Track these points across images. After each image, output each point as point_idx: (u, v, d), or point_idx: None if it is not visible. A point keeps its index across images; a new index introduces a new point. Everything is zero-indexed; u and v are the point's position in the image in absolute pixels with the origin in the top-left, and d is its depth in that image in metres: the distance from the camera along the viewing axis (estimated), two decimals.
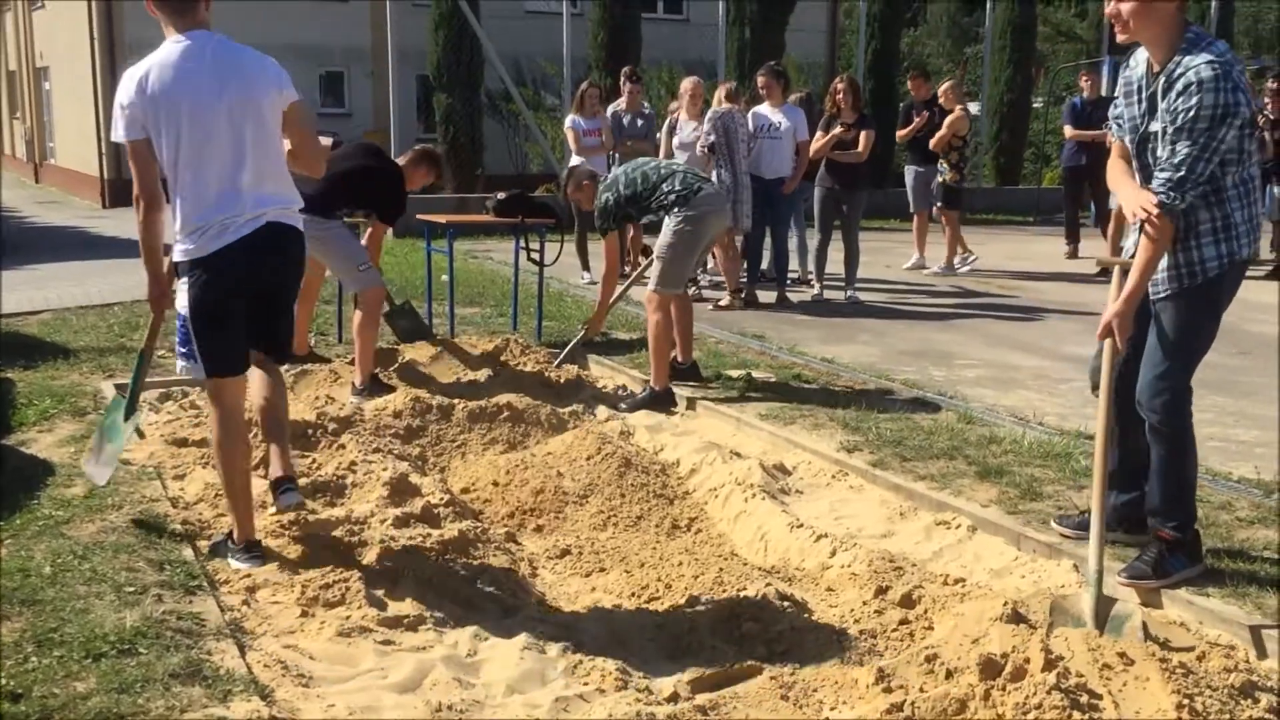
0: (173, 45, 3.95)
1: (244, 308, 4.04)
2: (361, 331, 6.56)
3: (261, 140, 3.99)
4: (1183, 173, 3.60)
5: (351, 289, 6.92)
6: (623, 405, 6.63)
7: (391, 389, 6.53)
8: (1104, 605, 3.60)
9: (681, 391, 6.72)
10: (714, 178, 9.82)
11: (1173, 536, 3.94)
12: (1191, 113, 3.53)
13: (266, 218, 3.99)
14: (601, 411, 6.55)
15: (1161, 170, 3.67)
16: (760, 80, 10.16)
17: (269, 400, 4.31)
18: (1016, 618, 3.42)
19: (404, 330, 7.70)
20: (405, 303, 7.92)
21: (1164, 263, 3.79)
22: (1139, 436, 4.05)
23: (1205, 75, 3.51)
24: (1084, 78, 13.39)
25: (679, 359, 6.99)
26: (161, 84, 3.88)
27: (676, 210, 6.53)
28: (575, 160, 10.57)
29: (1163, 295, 3.83)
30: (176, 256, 3.99)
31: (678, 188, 6.55)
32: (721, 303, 9.81)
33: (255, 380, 4.28)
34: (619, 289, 7.40)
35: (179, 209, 3.95)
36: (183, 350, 5.20)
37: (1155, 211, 3.62)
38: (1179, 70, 3.59)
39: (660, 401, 6.61)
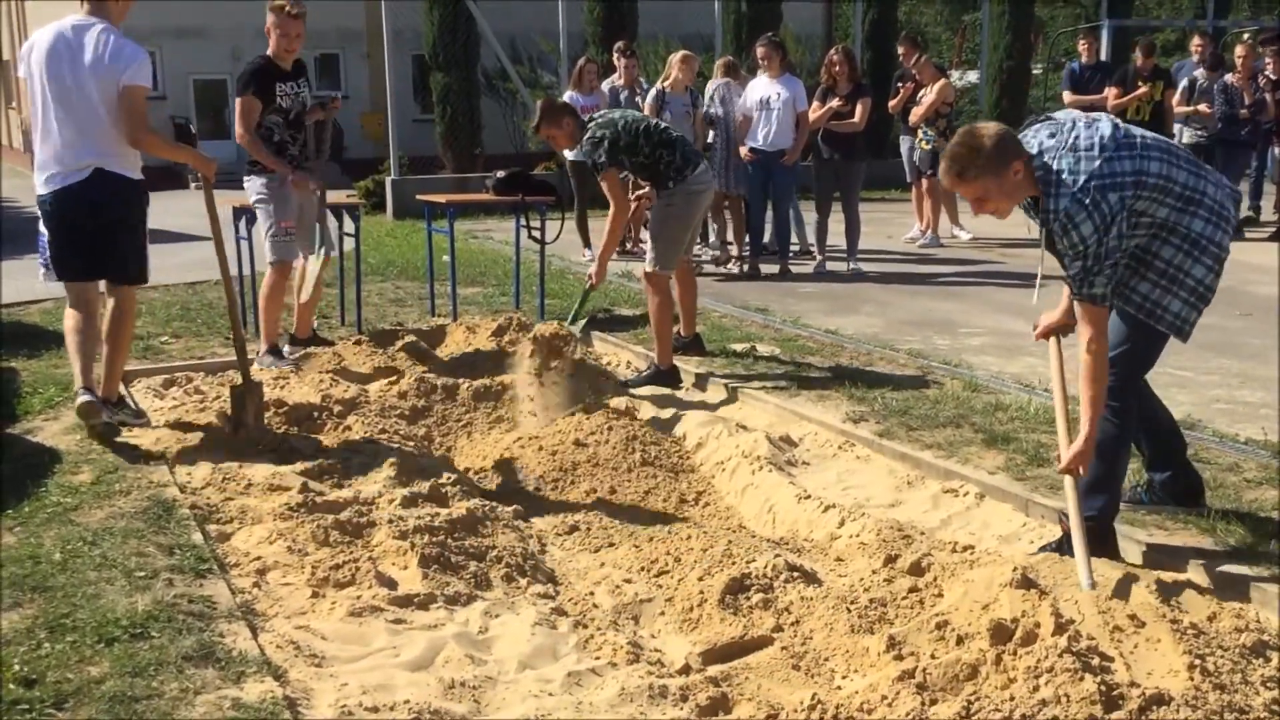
0: (67, 19, 5.06)
1: (79, 235, 5.12)
2: (263, 299, 6.64)
3: (97, 109, 4.98)
4: (1079, 288, 3.68)
5: (268, 257, 6.79)
6: (627, 382, 6.63)
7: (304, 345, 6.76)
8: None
9: (687, 366, 6.72)
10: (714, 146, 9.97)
11: (1067, 526, 3.94)
12: (1080, 244, 3.61)
13: (93, 167, 5.01)
14: (607, 387, 6.53)
15: (1071, 278, 3.74)
16: (760, 51, 10.10)
17: (110, 319, 5.28)
18: (1026, 583, 3.41)
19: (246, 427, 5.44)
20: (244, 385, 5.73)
21: (1175, 306, 3.81)
22: (1159, 415, 4.18)
23: (1074, 214, 3.58)
24: (1083, 42, 13.32)
25: (682, 333, 6.98)
26: (37, 50, 5.06)
27: (670, 185, 6.44)
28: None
29: (1124, 312, 3.86)
30: (37, 192, 5.17)
31: (676, 160, 6.42)
32: (732, 269, 10.23)
33: (109, 302, 5.32)
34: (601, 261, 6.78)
35: (36, 156, 5.15)
36: (42, 262, 5.75)
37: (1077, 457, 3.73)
38: (1053, 219, 3.64)
39: (665, 379, 6.59)
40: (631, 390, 6.47)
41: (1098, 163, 3.61)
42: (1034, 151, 3.67)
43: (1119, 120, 3.83)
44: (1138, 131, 3.80)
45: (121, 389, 5.66)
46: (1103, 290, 3.65)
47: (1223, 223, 3.81)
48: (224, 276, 5.65)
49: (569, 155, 11.15)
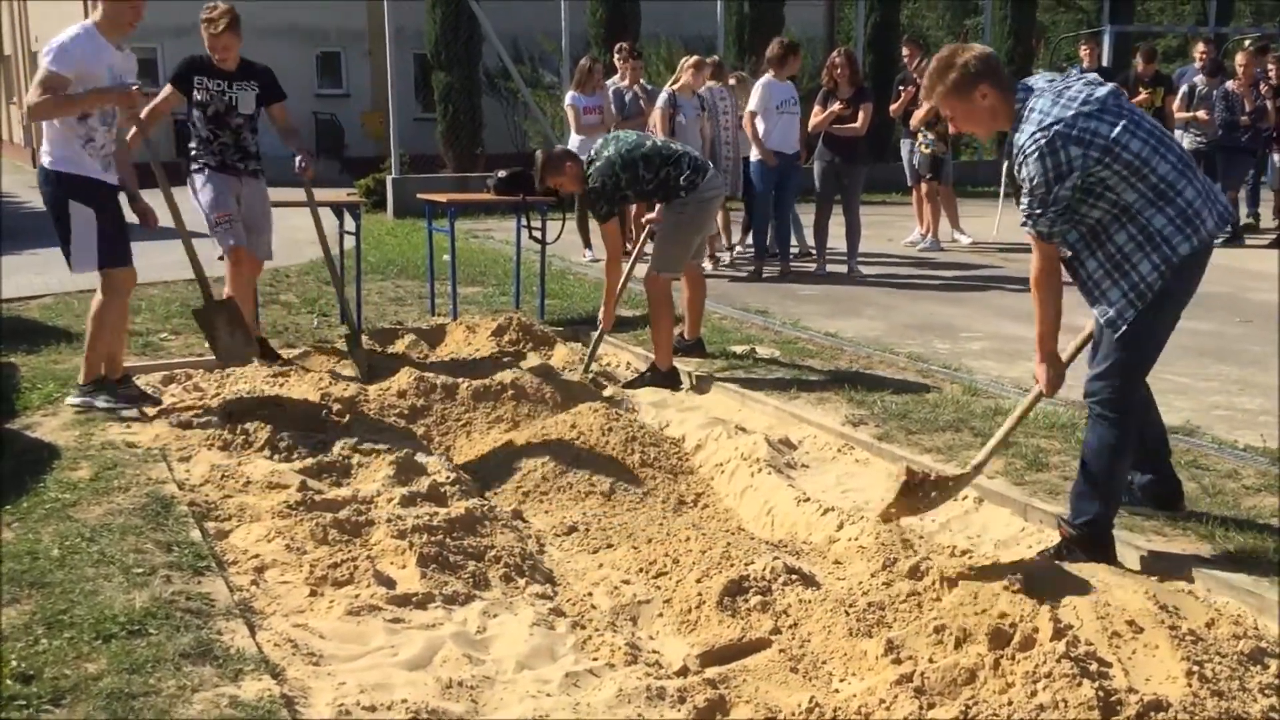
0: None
1: None
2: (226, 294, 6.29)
3: None
4: (1025, 219, 3.76)
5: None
6: (626, 383, 6.62)
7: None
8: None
9: (685, 367, 6.72)
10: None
11: (1071, 534, 3.95)
12: (1029, 181, 3.67)
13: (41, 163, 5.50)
14: (606, 388, 6.54)
15: (1020, 209, 3.80)
16: (791, 57, 10.05)
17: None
18: (1025, 588, 3.42)
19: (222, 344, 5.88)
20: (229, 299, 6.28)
21: (1114, 295, 3.78)
22: (1153, 419, 4.21)
23: (1028, 150, 3.62)
24: (1084, 48, 13.31)
25: (685, 335, 6.97)
26: None
27: (683, 195, 6.38)
28: (574, 141, 10.61)
29: (1127, 324, 3.79)
30: None
31: (685, 173, 6.32)
32: (724, 260, 10.50)
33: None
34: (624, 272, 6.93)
35: None
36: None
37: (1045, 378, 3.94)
38: (1014, 147, 3.71)
39: (664, 380, 6.58)
40: (630, 391, 6.47)
41: (1070, 112, 3.61)
42: (1029, 85, 3.74)
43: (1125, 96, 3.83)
44: (1141, 114, 3.79)
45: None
46: (1047, 229, 3.71)
47: (1189, 230, 3.70)
48: (175, 217, 5.73)
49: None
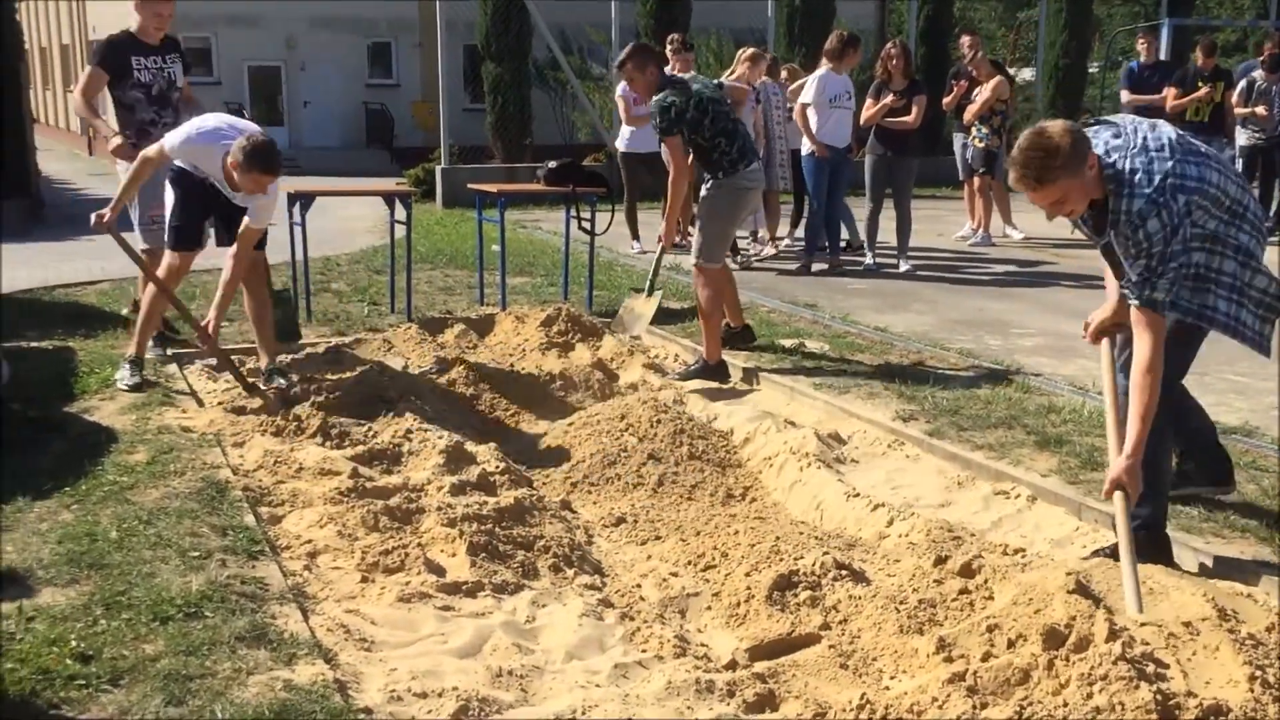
0: None
1: None
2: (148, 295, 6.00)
3: None
4: (1140, 290, 3.59)
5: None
6: (673, 374, 6.63)
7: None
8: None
9: (735, 360, 6.70)
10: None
11: None
12: (1146, 242, 3.53)
13: None
14: (654, 380, 6.53)
15: (1131, 283, 3.65)
16: (850, 51, 9.99)
17: None
18: (1080, 588, 3.37)
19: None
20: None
21: (1249, 319, 3.77)
22: (1188, 406, 4.21)
23: (1147, 212, 3.50)
24: (1141, 41, 13.10)
25: (730, 323, 6.98)
26: None
27: (720, 175, 6.46)
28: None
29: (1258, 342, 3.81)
30: None
31: (733, 153, 6.41)
32: (766, 252, 10.34)
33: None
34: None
35: None
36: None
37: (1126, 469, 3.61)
38: (1125, 219, 3.56)
39: (712, 374, 6.58)
40: (678, 384, 6.46)
41: (1169, 163, 3.54)
42: (1100, 152, 3.60)
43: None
44: (1192, 140, 3.75)
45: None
46: (1163, 296, 3.58)
47: (1260, 237, 3.78)
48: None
49: (620, 147, 11.18)
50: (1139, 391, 3.59)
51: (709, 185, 6.55)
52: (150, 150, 5.62)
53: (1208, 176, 3.61)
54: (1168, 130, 3.68)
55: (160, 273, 5.82)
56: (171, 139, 5.54)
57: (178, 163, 5.61)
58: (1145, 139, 3.61)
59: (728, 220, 6.63)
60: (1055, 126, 3.54)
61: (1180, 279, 3.61)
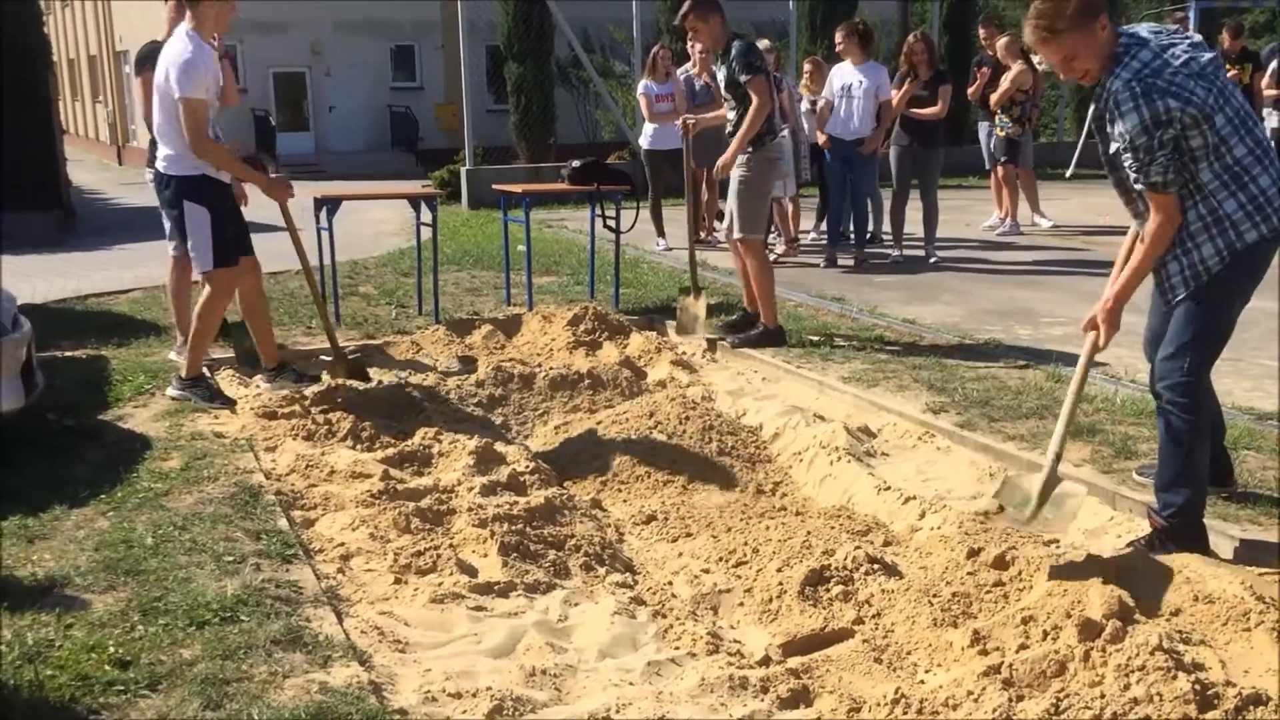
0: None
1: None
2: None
3: (161, 113, 5.55)
4: (1136, 174, 3.61)
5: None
6: (733, 340, 7.00)
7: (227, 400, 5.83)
8: (1051, 483, 3.71)
9: (764, 356, 6.68)
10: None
11: (1162, 524, 3.84)
12: (1127, 135, 3.53)
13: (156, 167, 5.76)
14: (683, 377, 6.53)
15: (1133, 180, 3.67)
16: (838, 37, 9.98)
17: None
18: (1116, 579, 3.35)
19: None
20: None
21: (1172, 268, 3.74)
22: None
23: (1122, 98, 3.50)
24: (1169, 23, 12.97)
25: (748, 308, 7.22)
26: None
27: (750, 149, 6.82)
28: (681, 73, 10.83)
29: (1179, 299, 3.78)
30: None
31: (764, 126, 6.78)
32: (778, 250, 10.28)
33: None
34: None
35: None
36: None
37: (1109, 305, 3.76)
38: (1106, 96, 3.56)
39: (771, 339, 6.91)
40: (741, 349, 6.86)
41: (1171, 69, 3.51)
42: (1130, 31, 3.58)
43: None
44: (1233, 90, 3.68)
45: (205, 372, 5.89)
46: (1161, 177, 3.56)
47: (1259, 218, 3.65)
48: (305, 270, 6.12)
49: (643, 145, 11.18)
50: (1141, 256, 3.72)
51: (742, 160, 6.85)
52: (201, 110, 5.43)
53: (1214, 117, 3.54)
54: (1206, 56, 3.62)
55: (222, 296, 5.74)
56: (191, 88, 5.35)
57: (197, 170, 5.55)
58: (1177, 45, 3.58)
59: (760, 192, 6.99)
60: None
61: (1177, 168, 3.57)
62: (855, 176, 9.91)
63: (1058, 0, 3.53)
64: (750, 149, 6.81)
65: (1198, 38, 3.74)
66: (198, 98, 5.38)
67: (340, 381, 5.93)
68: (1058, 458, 3.77)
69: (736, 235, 6.95)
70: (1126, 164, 3.61)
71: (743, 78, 6.71)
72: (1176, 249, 3.72)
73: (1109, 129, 3.62)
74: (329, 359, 6.30)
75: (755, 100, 6.74)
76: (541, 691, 3.12)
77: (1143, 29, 3.67)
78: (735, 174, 6.91)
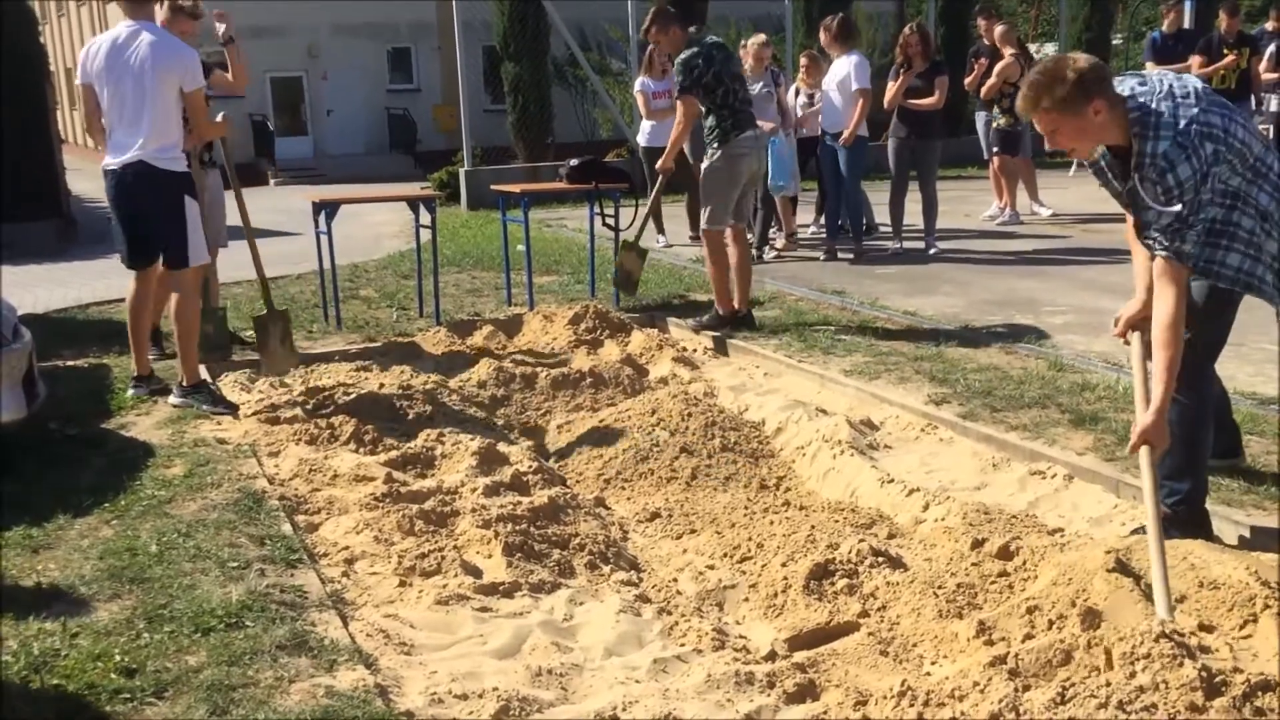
0: (119, 28, 5.52)
1: (125, 221, 5.76)
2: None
3: (149, 105, 5.50)
4: (1170, 240, 3.51)
5: None
6: (692, 322, 7.36)
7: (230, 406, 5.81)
8: None
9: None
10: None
11: (1166, 512, 3.81)
12: (1178, 189, 3.46)
13: (137, 157, 5.53)
14: (684, 374, 6.53)
15: (1157, 232, 3.58)
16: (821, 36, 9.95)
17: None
18: (1120, 566, 3.34)
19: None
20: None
21: (1233, 260, 3.66)
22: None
23: (1174, 157, 3.43)
24: (1166, 10, 12.95)
25: (736, 307, 7.32)
26: (96, 58, 5.53)
27: (716, 146, 7.06)
28: (646, 123, 10.77)
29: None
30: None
31: (726, 125, 7.01)
32: (778, 244, 10.45)
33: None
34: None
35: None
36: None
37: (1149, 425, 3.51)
38: (1149, 162, 3.48)
39: (723, 323, 7.17)
40: (701, 332, 7.21)
41: (1195, 110, 3.48)
42: (1126, 94, 3.54)
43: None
44: (1217, 99, 3.69)
45: (206, 377, 5.86)
46: (1191, 248, 3.52)
47: None
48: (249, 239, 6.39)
49: (641, 142, 11.18)
50: (1163, 347, 3.52)
51: (708, 156, 7.14)
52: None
53: (1233, 129, 3.54)
54: (1194, 82, 3.62)
55: (194, 290, 5.91)
56: (193, 76, 5.62)
57: (185, 165, 5.74)
58: (1171, 86, 3.55)
59: (728, 185, 7.14)
60: (1077, 59, 3.52)
61: (1202, 234, 3.54)
62: (847, 169, 9.87)
63: (1051, 79, 3.47)
64: (717, 145, 7.05)
65: (1173, 74, 3.72)
66: (200, 86, 5.75)
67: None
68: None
69: (703, 226, 7.29)
70: (1164, 226, 3.52)
71: (675, 93, 7.16)
72: (1239, 246, 3.64)
73: (1149, 193, 3.53)
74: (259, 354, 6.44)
75: (680, 115, 7.16)
76: (548, 691, 3.12)
77: (1126, 85, 3.58)
78: (705, 171, 7.19)
